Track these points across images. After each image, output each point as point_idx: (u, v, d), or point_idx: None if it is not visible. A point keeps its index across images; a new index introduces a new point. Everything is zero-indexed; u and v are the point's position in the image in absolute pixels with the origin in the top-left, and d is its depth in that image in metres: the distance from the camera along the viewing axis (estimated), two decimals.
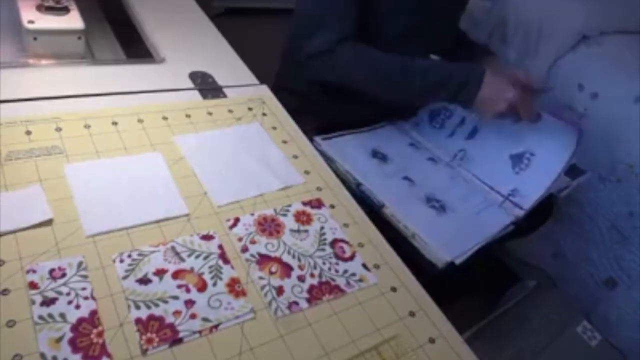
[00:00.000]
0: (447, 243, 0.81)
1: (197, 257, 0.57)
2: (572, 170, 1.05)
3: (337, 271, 0.61)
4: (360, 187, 0.87)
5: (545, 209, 1.07)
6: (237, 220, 0.63)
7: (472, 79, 0.91)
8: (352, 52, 0.93)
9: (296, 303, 0.55)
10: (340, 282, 0.59)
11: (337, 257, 0.62)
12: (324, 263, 0.61)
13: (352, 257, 0.63)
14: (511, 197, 0.94)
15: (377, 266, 0.63)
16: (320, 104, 1.05)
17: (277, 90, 0.90)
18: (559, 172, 0.96)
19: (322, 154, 0.84)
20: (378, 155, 0.97)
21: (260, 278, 0.57)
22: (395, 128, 1.08)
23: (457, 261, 0.78)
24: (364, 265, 0.62)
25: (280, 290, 0.56)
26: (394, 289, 0.61)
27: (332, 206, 0.70)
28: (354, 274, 0.61)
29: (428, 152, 1.03)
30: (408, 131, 1.07)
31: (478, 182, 0.98)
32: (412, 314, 0.59)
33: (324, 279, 0.59)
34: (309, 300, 0.56)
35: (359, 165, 0.92)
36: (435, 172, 0.98)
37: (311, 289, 0.57)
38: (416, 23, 0.99)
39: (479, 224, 0.88)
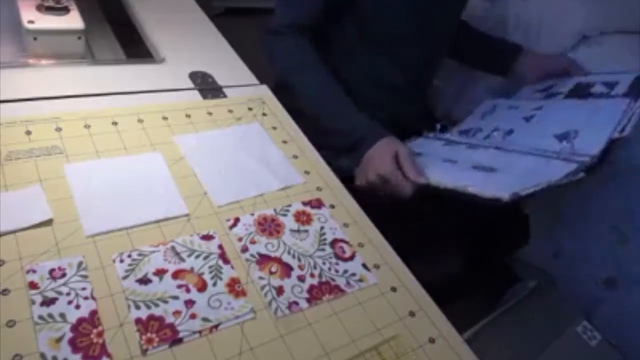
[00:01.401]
0: (505, 186, 0.71)
1: (197, 257, 0.57)
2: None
3: (337, 271, 0.61)
4: None
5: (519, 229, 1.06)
6: (237, 220, 0.63)
7: (367, 139, 0.87)
8: (288, 46, 0.93)
9: (296, 303, 0.55)
10: (340, 282, 0.59)
11: (337, 257, 0.62)
12: (324, 263, 0.61)
13: (352, 257, 0.63)
14: (565, 152, 0.82)
15: (377, 266, 0.63)
16: None
17: (277, 90, 0.90)
18: (614, 125, 0.85)
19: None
20: (413, 154, 0.92)
21: (260, 278, 0.57)
22: (424, 139, 1.04)
23: (522, 193, 0.68)
24: (364, 265, 0.62)
25: (280, 290, 0.56)
26: (394, 289, 0.61)
27: (332, 206, 0.70)
28: (354, 274, 0.61)
29: (465, 145, 0.97)
30: (440, 137, 1.02)
31: (527, 152, 0.88)
32: (412, 314, 0.59)
33: (324, 279, 0.59)
34: (309, 300, 0.56)
35: None
36: (478, 154, 0.91)
37: (311, 289, 0.57)
38: (412, 23, 0.99)
39: (538, 174, 0.77)
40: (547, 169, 0.79)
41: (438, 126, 1.04)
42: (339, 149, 0.88)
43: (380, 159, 0.84)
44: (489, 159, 0.86)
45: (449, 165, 0.85)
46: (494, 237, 1.06)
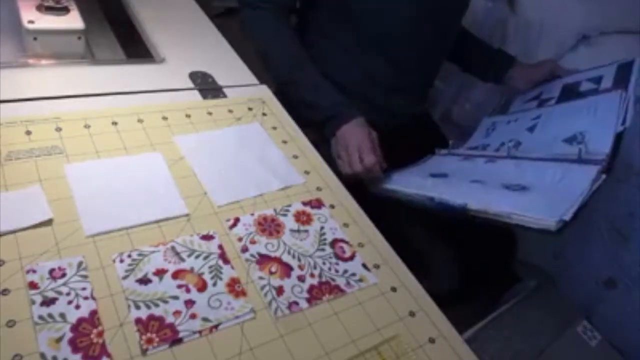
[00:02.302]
0: (545, 209, 0.72)
1: (197, 257, 0.57)
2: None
3: (337, 271, 0.61)
4: (434, 201, 0.82)
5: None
6: (237, 220, 0.63)
7: (338, 117, 0.91)
8: (264, 19, 0.97)
9: (296, 303, 0.55)
10: (340, 282, 0.59)
11: (337, 257, 0.62)
12: (324, 263, 0.61)
13: (352, 257, 0.63)
14: (584, 153, 0.85)
15: (377, 266, 0.63)
16: None
17: (277, 93, 0.90)
18: (615, 120, 0.89)
19: (381, 188, 0.85)
20: (437, 175, 0.93)
21: (260, 278, 0.57)
22: (439, 157, 1.05)
23: (567, 218, 0.69)
24: (364, 265, 0.62)
25: (280, 290, 0.56)
26: (394, 289, 0.61)
27: (332, 206, 0.70)
28: (354, 274, 0.61)
29: (483, 158, 0.98)
30: (455, 153, 1.04)
31: (544, 159, 0.90)
32: (412, 314, 0.59)
33: (324, 279, 0.59)
34: (309, 301, 0.56)
35: (422, 186, 0.88)
36: (499, 168, 0.93)
37: (311, 289, 0.57)
38: (406, 26, 0.98)
39: (568, 185, 0.79)
40: (573, 175, 0.81)
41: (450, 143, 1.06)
42: (309, 122, 0.91)
43: (358, 134, 0.89)
44: (513, 174, 0.86)
45: (479, 187, 0.85)
46: (489, 246, 1.06)
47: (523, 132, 1.03)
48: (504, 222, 0.73)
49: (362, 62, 1.02)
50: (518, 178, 0.84)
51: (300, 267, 0.59)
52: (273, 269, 0.58)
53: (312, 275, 0.59)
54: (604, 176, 0.78)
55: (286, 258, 0.60)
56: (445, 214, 0.76)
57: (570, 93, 1.05)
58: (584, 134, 0.91)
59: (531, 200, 0.76)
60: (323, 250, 0.63)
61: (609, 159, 0.82)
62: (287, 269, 0.59)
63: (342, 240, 0.65)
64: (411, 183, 0.90)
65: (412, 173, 0.97)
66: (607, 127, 0.89)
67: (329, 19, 1.01)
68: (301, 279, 0.58)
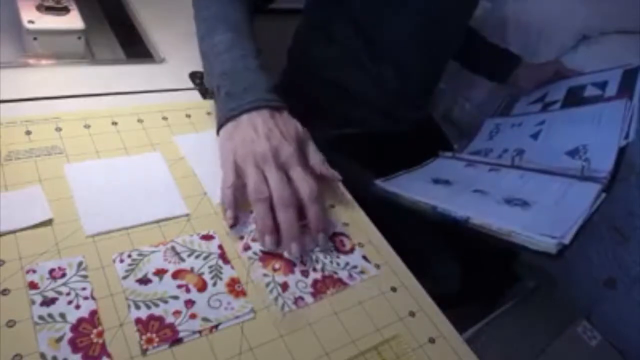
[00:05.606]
0: (546, 229, 0.71)
1: (197, 257, 0.57)
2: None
3: (338, 264, 0.61)
4: (436, 210, 0.80)
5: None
6: (237, 219, 0.62)
7: (241, 98, 0.67)
8: None
9: (302, 298, 0.56)
10: (343, 274, 0.60)
11: (338, 250, 0.63)
12: (325, 257, 0.61)
13: (352, 250, 0.63)
14: (587, 169, 0.84)
15: (377, 266, 0.63)
16: (329, 110, 1.04)
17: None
18: (619, 134, 0.88)
19: (385, 192, 0.84)
20: (440, 182, 0.94)
21: (265, 275, 0.57)
22: (443, 159, 1.06)
23: (566, 241, 0.68)
24: (365, 257, 0.63)
25: (285, 286, 0.56)
26: (394, 289, 0.61)
27: (332, 206, 0.70)
28: (355, 266, 0.61)
29: (487, 166, 0.99)
30: (458, 157, 1.05)
31: (548, 172, 0.90)
32: (412, 314, 0.59)
33: (326, 273, 0.59)
34: (313, 295, 0.56)
35: (425, 192, 0.87)
36: (503, 178, 0.93)
37: (315, 283, 0.58)
38: (417, 33, 0.98)
39: (569, 204, 0.79)
40: (575, 192, 0.81)
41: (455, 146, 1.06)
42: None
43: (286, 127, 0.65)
44: (517, 186, 0.86)
45: (481, 199, 0.85)
46: (490, 246, 1.06)
47: (527, 138, 1.04)
48: (504, 240, 0.73)
49: (367, 67, 1.02)
50: (520, 191, 0.85)
51: (303, 262, 0.60)
52: (277, 266, 0.58)
53: (314, 270, 0.59)
54: (604, 195, 0.78)
55: (288, 254, 0.60)
56: (446, 224, 0.76)
57: (574, 98, 1.06)
58: (587, 147, 0.92)
59: (532, 218, 0.76)
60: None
61: (611, 176, 0.82)
62: (290, 265, 0.59)
63: (342, 234, 0.65)
64: (414, 188, 0.90)
65: (414, 176, 0.97)
66: (611, 141, 0.90)
67: (336, 23, 1.00)
68: (305, 274, 0.58)
